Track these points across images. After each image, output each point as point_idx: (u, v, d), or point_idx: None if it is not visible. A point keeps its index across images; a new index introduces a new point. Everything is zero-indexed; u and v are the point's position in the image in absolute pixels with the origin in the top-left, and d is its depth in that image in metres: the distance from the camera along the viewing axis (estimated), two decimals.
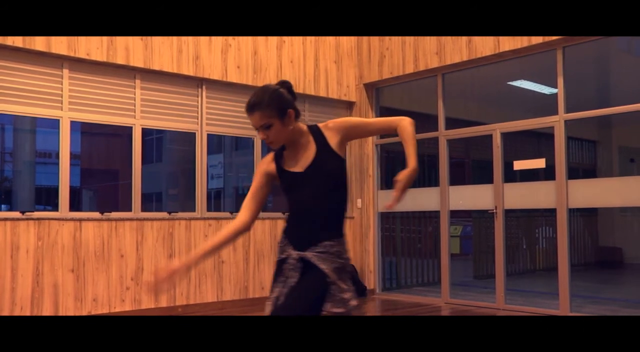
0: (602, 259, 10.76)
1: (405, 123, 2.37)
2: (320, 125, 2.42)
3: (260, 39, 7.14)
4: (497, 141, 6.71)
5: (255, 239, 7.01)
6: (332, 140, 2.37)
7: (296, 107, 2.41)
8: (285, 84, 2.41)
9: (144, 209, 6.34)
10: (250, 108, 2.31)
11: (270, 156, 2.47)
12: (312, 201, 2.33)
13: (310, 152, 2.37)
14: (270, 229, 7.16)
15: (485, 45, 6.62)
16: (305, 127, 2.42)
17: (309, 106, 7.78)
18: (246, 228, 2.42)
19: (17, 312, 5.39)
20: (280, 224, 7.27)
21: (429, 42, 7.17)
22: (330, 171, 2.33)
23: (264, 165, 2.45)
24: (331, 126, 2.40)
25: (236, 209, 9.18)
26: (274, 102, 2.32)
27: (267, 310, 2.32)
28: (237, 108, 7.02)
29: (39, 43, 5.60)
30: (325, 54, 7.77)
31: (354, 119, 2.46)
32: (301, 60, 7.52)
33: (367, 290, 7.78)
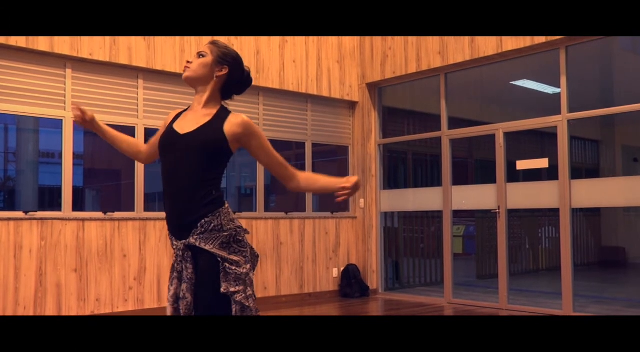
0: (605, 258, 10.74)
1: (306, 173, 2.43)
2: (233, 113, 2.37)
3: (263, 39, 7.14)
4: (500, 141, 6.70)
5: (257, 239, 7.01)
6: (229, 127, 2.29)
7: (234, 78, 2.40)
8: (248, 68, 2.46)
9: (146, 209, 6.35)
10: (211, 42, 2.39)
11: (176, 111, 2.48)
12: (177, 169, 2.27)
13: (200, 122, 2.31)
14: (272, 229, 7.16)
15: (488, 44, 6.61)
16: (219, 105, 2.38)
17: (312, 106, 7.78)
18: (139, 152, 2.58)
19: (20, 312, 5.40)
20: (283, 224, 7.28)
21: (432, 42, 7.16)
22: (204, 145, 2.25)
23: (169, 116, 2.47)
24: (241, 118, 2.33)
25: (238, 208, 9.18)
26: (225, 51, 2.37)
27: (168, 310, 2.27)
28: (240, 108, 7.02)
29: (42, 43, 5.61)
30: (328, 53, 7.77)
31: (263, 137, 2.37)
32: (304, 60, 7.52)
33: (369, 289, 7.78)
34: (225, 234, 2.22)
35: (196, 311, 2.22)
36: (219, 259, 2.19)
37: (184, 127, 2.32)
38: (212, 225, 2.21)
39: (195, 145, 2.25)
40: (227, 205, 2.29)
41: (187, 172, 2.25)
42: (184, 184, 2.25)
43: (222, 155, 2.29)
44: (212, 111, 2.34)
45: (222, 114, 2.33)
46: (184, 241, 2.24)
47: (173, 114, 2.46)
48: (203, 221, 2.21)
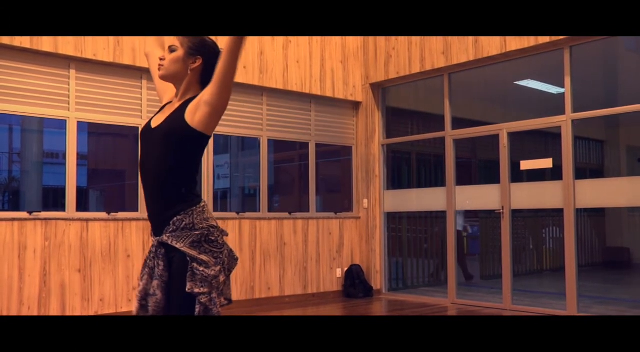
0: (609, 259, 10.70)
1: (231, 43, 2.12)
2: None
3: (267, 39, 7.14)
4: (504, 141, 6.69)
5: (261, 239, 7.01)
6: (192, 106, 2.18)
7: (211, 66, 2.25)
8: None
9: None
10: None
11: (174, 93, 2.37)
12: (147, 164, 2.24)
13: (168, 113, 2.26)
14: (276, 229, 7.17)
15: (492, 44, 6.60)
16: (196, 92, 2.27)
17: (315, 106, 7.78)
18: (158, 41, 2.49)
19: (24, 312, 5.41)
20: (287, 225, 7.28)
21: (436, 42, 7.15)
22: (166, 137, 2.18)
23: (169, 95, 2.40)
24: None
25: (242, 209, 9.18)
26: (196, 41, 2.26)
27: (135, 306, 2.23)
28: (243, 108, 7.03)
29: (46, 44, 5.62)
30: (332, 54, 7.77)
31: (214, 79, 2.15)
32: (307, 60, 7.52)
33: (373, 290, 7.77)
34: (197, 232, 2.16)
35: (167, 310, 2.19)
36: (188, 258, 2.15)
37: (157, 120, 2.28)
38: (184, 223, 2.16)
39: (159, 139, 2.20)
40: (203, 204, 2.24)
41: (155, 167, 2.21)
42: (153, 179, 2.22)
43: (188, 146, 2.20)
44: (185, 100, 2.26)
45: (191, 100, 2.23)
46: (158, 238, 2.22)
47: (171, 95, 2.39)
48: (175, 218, 2.17)
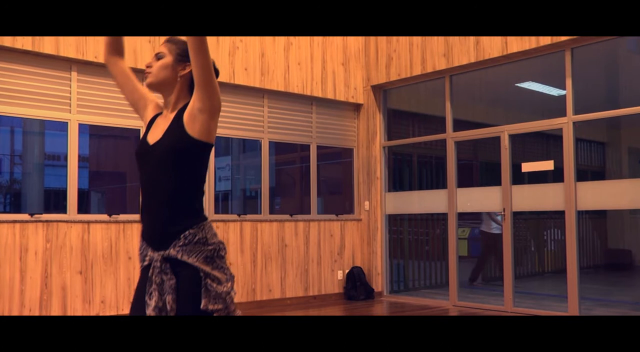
0: (611, 261, 10.69)
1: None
2: None
3: (268, 41, 7.15)
4: (505, 143, 6.69)
5: (262, 241, 7.01)
6: (187, 116, 2.12)
7: None
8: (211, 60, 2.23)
9: None
10: (167, 39, 2.24)
11: (158, 105, 2.31)
12: (154, 181, 2.15)
13: (165, 127, 2.18)
14: (277, 232, 7.16)
15: (493, 46, 6.60)
16: (186, 102, 2.20)
17: (316, 108, 7.78)
18: (115, 48, 2.35)
19: (25, 314, 5.41)
20: (288, 227, 7.28)
21: (437, 44, 7.15)
22: (169, 153, 2.11)
23: (154, 106, 2.33)
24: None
25: (244, 211, 9.17)
26: (185, 46, 2.19)
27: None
28: (244, 110, 7.03)
29: (47, 46, 5.63)
30: (333, 56, 7.77)
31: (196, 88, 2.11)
32: (308, 62, 7.53)
33: (374, 292, 7.77)
34: (210, 248, 2.11)
35: None
36: (202, 274, 2.08)
37: (154, 136, 2.20)
38: (197, 237, 2.10)
39: (162, 156, 2.13)
40: (209, 219, 2.20)
41: (163, 183, 2.13)
42: (161, 195, 2.14)
43: (194, 158, 2.16)
44: (178, 107, 2.21)
45: (184, 108, 2.16)
46: (161, 252, 2.11)
47: (159, 106, 2.33)
48: (187, 232, 2.10)
